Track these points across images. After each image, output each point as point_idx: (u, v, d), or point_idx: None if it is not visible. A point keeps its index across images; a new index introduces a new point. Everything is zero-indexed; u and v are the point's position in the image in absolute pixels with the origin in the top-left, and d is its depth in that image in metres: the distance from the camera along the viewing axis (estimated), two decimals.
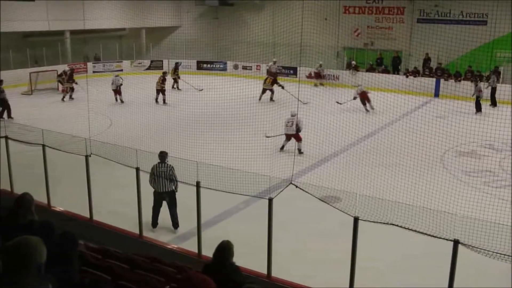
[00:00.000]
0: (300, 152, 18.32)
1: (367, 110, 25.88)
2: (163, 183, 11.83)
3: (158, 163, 11.94)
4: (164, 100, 27.79)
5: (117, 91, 28.70)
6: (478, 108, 25.91)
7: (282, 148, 18.72)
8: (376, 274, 9.99)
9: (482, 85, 26.81)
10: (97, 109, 23.85)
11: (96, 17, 33.26)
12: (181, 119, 21.59)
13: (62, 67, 33.16)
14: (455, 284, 7.60)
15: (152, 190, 11.92)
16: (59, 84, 31.20)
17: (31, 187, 7.62)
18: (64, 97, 29.24)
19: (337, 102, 25.39)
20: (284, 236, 10.77)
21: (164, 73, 28.69)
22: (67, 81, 29.86)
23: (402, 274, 10.32)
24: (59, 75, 31.22)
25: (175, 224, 12.17)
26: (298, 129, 18.46)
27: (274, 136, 18.86)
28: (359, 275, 8.36)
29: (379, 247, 10.74)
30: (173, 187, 11.92)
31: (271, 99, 28.54)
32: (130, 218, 11.64)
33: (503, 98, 26.51)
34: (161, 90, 27.74)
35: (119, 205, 13.02)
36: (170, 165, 11.95)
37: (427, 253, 10.56)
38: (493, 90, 27.71)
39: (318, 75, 34.21)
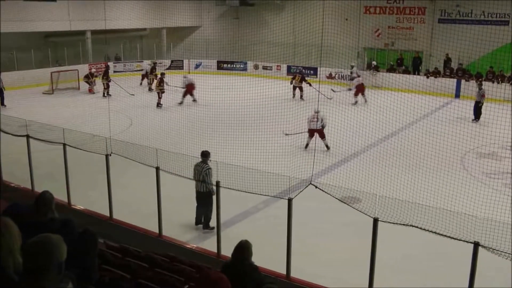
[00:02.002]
0: (327, 148, 18.63)
1: (356, 102, 27.25)
2: (200, 182, 11.82)
3: (200, 161, 11.99)
4: (158, 104, 26.93)
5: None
6: (477, 115, 24.19)
7: (306, 146, 18.81)
8: (382, 274, 9.92)
9: (486, 89, 24.63)
10: (118, 108, 24.01)
11: (117, 17, 33.43)
12: (201, 119, 21.64)
13: (83, 67, 33.47)
14: (462, 285, 7.59)
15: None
16: (87, 85, 31.49)
17: (51, 186, 7.68)
18: (104, 93, 29.66)
19: (332, 90, 26.61)
20: (299, 236, 10.72)
21: (162, 74, 28.05)
22: (103, 77, 30.30)
23: (408, 274, 10.29)
24: (86, 76, 31.51)
25: (204, 225, 12.14)
26: (323, 125, 18.59)
27: (293, 134, 18.91)
28: (363, 274, 8.37)
29: (383, 247, 10.70)
30: (206, 189, 11.79)
31: (301, 97, 29.08)
32: (143, 217, 11.72)
33: None
34: (159, 92, 26.97)
35: (129, 205, 13.08)
36: (207, 166, 11.85)
37: (432, 253, 10.64)
38: None
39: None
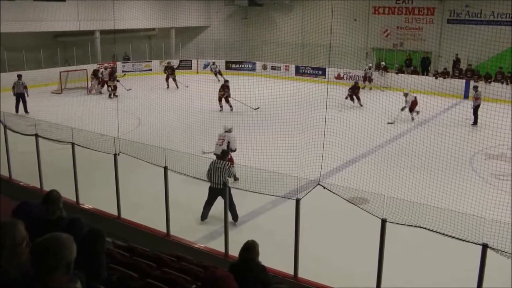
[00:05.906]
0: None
1: (413, 118, 24.37)
2: (219, 179, 11.87)
3: (216, 159, 12.23)
4: (230, 106, 25.70)
5: (217, 73, 35.38)
6: (476, 119, 23.20)
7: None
8: (389, 274, 9.89)
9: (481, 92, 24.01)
10: (126, 108, 24.03)
11: (126, 17, 33.51)
12: (209, 119, 21.64)
13: (92, 67, 33.48)
14: (467, 285, 7.58)
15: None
16: (91, 83, 31.57)
17: (60, 185, 7.70)
18: (110, 94, 29.75)
19: (389, 123, 23.27)
20: (306, 236, 10.71)
21: (226, 81, 26.49)
22: (109, 79, 30.27)
23: (414, 274, 10.27)
24: (93, 73, 31.61)
25: (235, 217, 12.27)
26: (230, 149, 15.06)
27: (210, 153, 15.40)
28: (370, 275, 8.37)
29: (390, 247, 10.69)
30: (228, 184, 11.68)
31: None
32: (151, 217, 11.74)
33: None
34: (222, 97, 25.78)
35: (137, 205, 13.10)
36: (227, 163, 12.19)
37: (433, 253, 10.62)
38: None
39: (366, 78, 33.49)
